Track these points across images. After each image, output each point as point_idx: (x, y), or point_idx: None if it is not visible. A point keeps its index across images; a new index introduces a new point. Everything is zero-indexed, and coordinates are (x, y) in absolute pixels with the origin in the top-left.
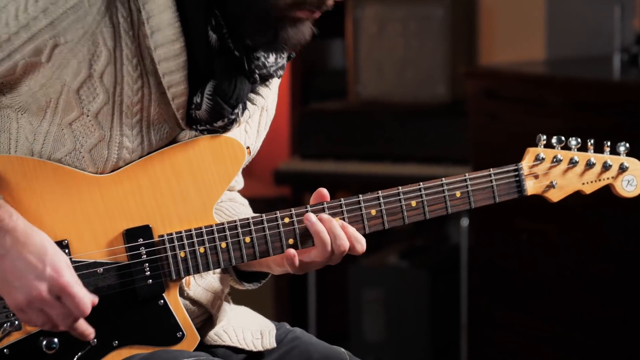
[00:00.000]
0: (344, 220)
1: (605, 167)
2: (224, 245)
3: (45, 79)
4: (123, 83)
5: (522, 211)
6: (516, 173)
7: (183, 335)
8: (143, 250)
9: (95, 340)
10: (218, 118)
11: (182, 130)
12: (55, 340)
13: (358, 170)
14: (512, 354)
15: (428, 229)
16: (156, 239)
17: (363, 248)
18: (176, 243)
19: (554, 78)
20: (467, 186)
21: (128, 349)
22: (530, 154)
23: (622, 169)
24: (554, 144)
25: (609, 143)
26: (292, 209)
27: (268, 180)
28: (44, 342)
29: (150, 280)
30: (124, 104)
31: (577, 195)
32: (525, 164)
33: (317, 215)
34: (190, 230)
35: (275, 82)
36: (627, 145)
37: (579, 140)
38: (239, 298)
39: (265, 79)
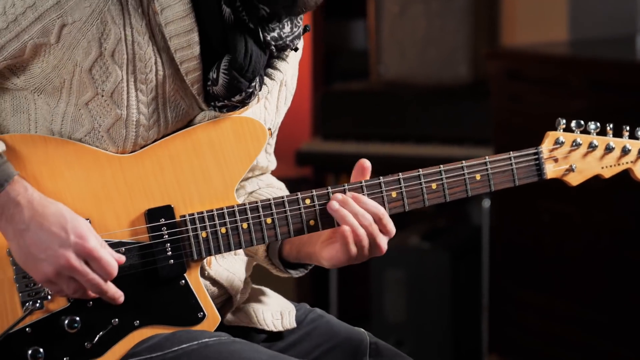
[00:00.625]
0: None
1: (625, 152)
2: (245, 225)
3: (57, 60)
4: (135, 60)
5: (544, 192)
6: (536, 156)
7: (204, 315)
8: (165, 230)
9: (116, 319)
10: (235, 92)
11: (200, 110)
12: (77, 319)
13: (380, 151)
14: (534, 335)
15: (450, 210)
16: (178, 219)
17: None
18: (198, 224)
19: (576, 59)
20: (487, 169)
21: (149, 328)
22: (550, 137)
23: None
24: (573, 128)
25: (628, 127)
26: (314, 190)
27: (290, 161)
28: (66, 321)
29: (172, 261)
30: (138, 82)
31: (597, 178)
32: (545, 147)
33: (338, 199)
34: (211, 211)
35: (294, 57)
36: None
37: (598, 124)
38: (259, 279)
39: (281, 49)
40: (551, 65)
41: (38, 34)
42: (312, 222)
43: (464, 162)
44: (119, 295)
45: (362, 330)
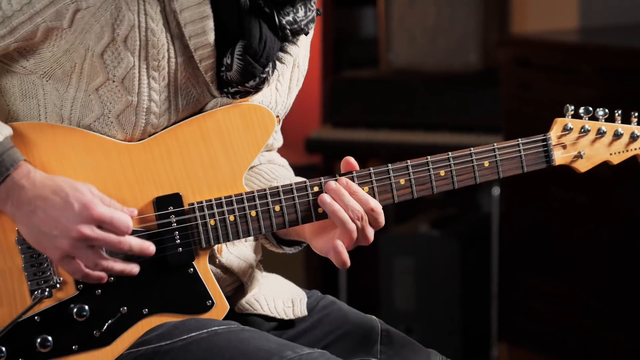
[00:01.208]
0: (374, 190)
1: (633, 138)
2: (253, 213)
3: (69, 45)
4: (148, 47)
5: (554, 180)
6: (544, 143)
7: (213, 303)
8: (173, 218)
9: (125, 308)
10: (249, 78)
11: (212, 97)
12: (86, 307)
13: (389, 139)
14: (543, 323)
15: (459, 197)
16: (186, 207)
17: (380, 212)
18: (206, 212)
19: (586, 46)
20: (495, 156)
21: (158, 316)
22: (558, 124)
23: None
24: (582, 115)
25: (636, 114)
26: (322, 177)
27: (299, 149)
28: (75, 310)
29: (180, 249)
30: (150, 68)
31: (608, 165)
32: (554, 134)
33: (332, 187)
34: (220, 199)
35: (305, 39)
36: None
37: (607, 110)
38: (270, 266)
39: (296, 33)
40: (561, 52)
41: (51, 17)
42: (320, 210)
43: (472, 149)
44: (147, 245)
45: (374, 317)
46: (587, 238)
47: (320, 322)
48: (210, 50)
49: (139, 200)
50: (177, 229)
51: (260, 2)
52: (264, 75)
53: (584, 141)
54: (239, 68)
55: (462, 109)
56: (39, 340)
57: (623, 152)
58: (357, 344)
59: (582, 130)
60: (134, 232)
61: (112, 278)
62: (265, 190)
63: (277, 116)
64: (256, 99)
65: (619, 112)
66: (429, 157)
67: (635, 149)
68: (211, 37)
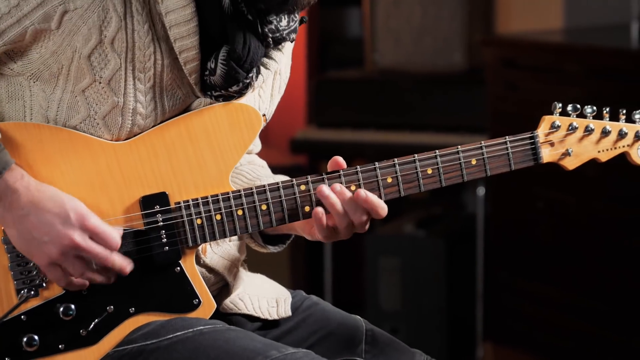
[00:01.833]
0: (360, 187)
1: (621, 135)
2: (240, 212)
3: (56, 46)
4: (134, 49)
5: (539, 180)
6: (532, 140)
7: (199, 302)
8: (159, 217)
9: (112, 307)
10: (233, 83)
11: (196, 98)
12: (72, 306)
13: (375, 139)
14: (529, 323)
15: (445, 198)
16: (172, 205)
17: (385, 211)
18: (192, 210)
19: (571, 46)
20: (482, 153)
21: (144, 315)
22: (546, 121)
23: (638, 136)
24: (570, 112)
25: (624, 111)
26: (309, 176)
27: (285, 149)
28: (61, 309)
29: (167, 248)
30: (136, 70)
31: (594, 163)
32: (541, 131)
33: (330, 187)
34: (206, 197)
35: (288, 46)
36: None
37: (594, 108)
38: (255, 266)
39: (278, 42)
40: (546, 52)
41: (40, 19)
42: (307, 208)
43: (459, 146)
44: (126, 263)
45: (358, 317)
46: (572, 238)
47: (304, 322)
48: (194, 53)
49: (125, 199)
50: (163, 228)
51: (243, 9)
52: (247, 81)
53: (572, 139)
54: (222, 73)
55: (448, 109)
56: (25, 339)
57: (611, 149)
58: (341, 344)
59: (570, 127)
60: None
61: None
62: (252, 188)
63: (264, 115)
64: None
65: (607, 109)
66: (416, 154)
67: (623, 147)
68: (195, 39)
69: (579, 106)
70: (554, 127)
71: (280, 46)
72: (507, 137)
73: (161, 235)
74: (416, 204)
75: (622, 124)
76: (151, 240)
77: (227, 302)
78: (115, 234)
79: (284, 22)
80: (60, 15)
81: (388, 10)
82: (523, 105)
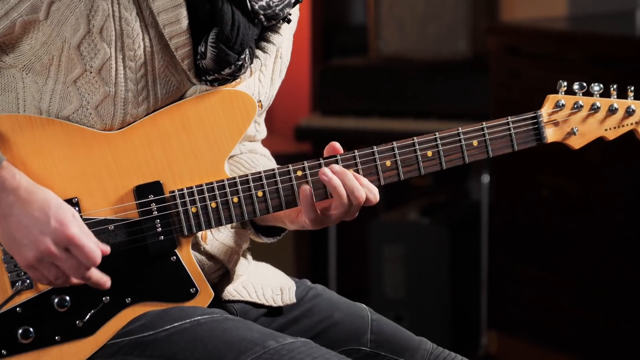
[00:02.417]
0: (358, 172)
1: (629, 112)
2: (235, 199)
3: (46, 37)
4: (123, 37)
5: (543, 167)
6: (535, 121)
7: (197, 291)
8: (154, 206)
9: (107, 297)
10: (224, 66)
11: (191, 85)
12: (67, 298)
13: (379, 127)
14: (532, 310)
15: (449, 185)
16: (167, 194)
17: (376, 198)
18: (187, 198)
19: (575, 34)
20: (484, 135)
21: (141, 305)
22: (550, 100)
23: None
24: (576, 90)
25: (632, 88)
26: (305, 162)
27: (289, 136)
28: (56, 300)
29: (162, 237)
30: (127, 58)
31: (599, 149)
32: (545, 111)
33: (331, 168)
34: (201, 186)
35: (287, 28)
36: None
37: (602, 85)
38: (259, 254)
39: (271, 19)
40: (550, 40)
41: (27, 11)
42: None
43: (460, 128)
44: (104, 280)
45: (364, 306)
46: (576, 225)
47: (310, 312)
48: (185, 38)
49: (119, 189)
50: (158, 217)
51: None
52: (240, 63)
53: (577, 117)
54: (212, 56)
55: (451, 96)
56: (20, 331)
57: (618, 127)
58: (347, 332)
59: (575, 106)
60: (114, 222)
61: None
62: (247, 175)
63: (259, 101)
64: (239, 89)
65: (615, 86)
66: (415, 137)
67: (631, 124)
68: (185, 25)
69: (585, 84)
70: (558, 106)
71: (277, 27)
72: (509, 117)
73: (156, 224)
74: (420, 192)
75: (629, 101)
76: (146, 230)
77: (231, 289)
78: (94, 251)
79: None
80: (48, 5)
81: None
82: (527, 93)
